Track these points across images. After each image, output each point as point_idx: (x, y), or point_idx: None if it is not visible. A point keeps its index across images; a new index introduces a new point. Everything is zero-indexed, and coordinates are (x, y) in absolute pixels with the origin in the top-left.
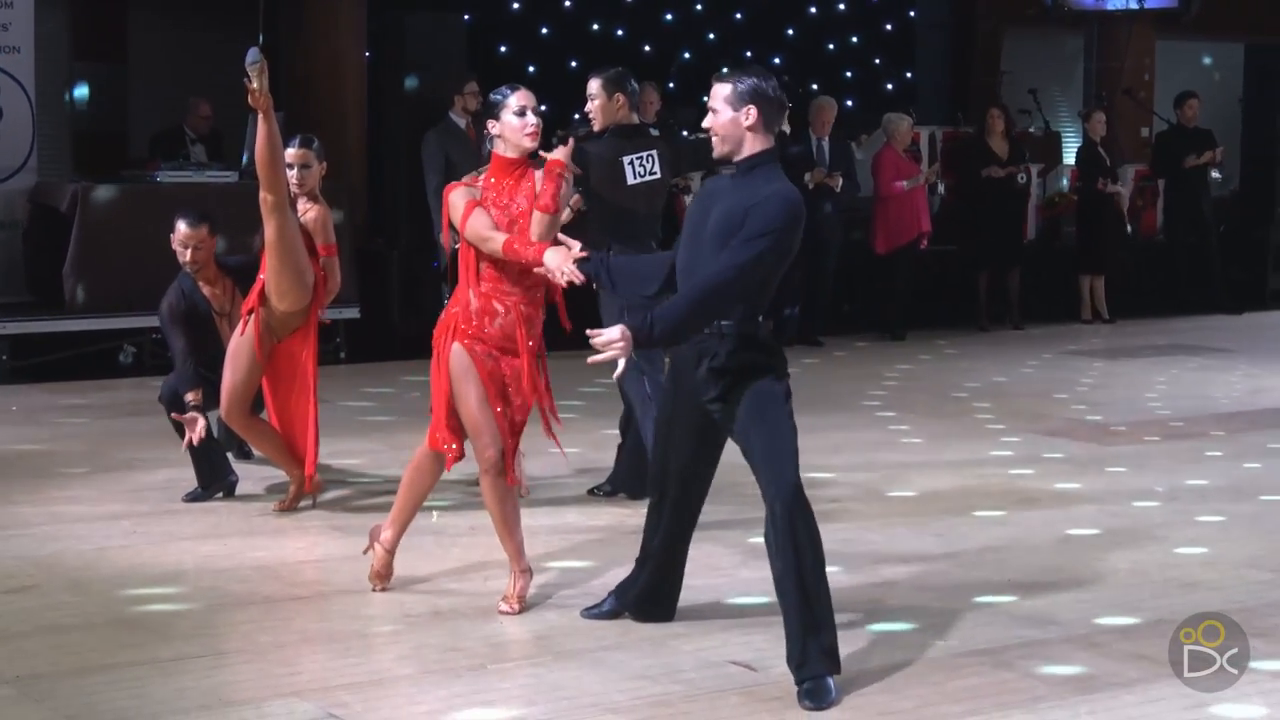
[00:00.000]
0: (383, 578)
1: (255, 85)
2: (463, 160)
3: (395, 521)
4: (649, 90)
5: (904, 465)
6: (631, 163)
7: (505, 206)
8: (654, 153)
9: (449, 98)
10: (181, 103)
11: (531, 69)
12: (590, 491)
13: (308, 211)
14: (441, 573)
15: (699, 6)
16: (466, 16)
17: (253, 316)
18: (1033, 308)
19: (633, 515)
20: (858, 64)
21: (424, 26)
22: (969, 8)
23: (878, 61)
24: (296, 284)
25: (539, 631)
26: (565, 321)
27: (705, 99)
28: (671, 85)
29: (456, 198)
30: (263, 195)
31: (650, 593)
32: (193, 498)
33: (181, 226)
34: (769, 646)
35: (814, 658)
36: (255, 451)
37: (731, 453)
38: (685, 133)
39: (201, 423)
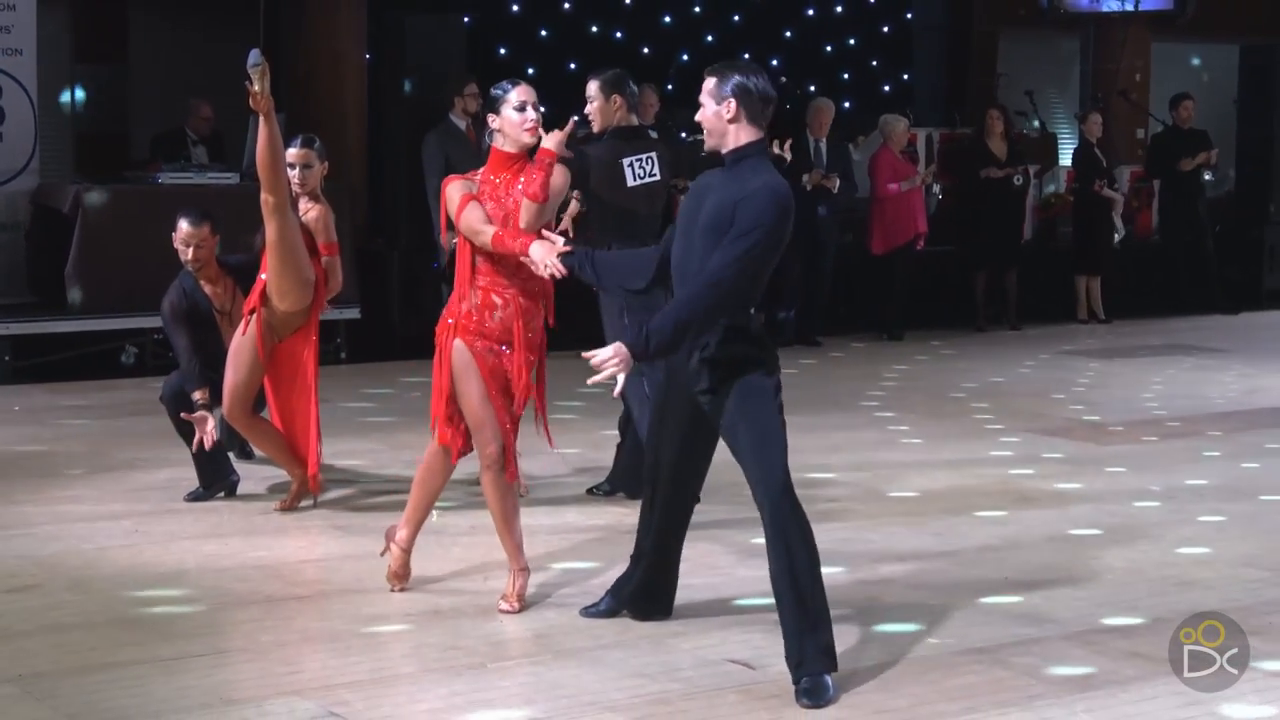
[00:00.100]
0: (401, 578)
1: (257, 88)
2: (463, 161)
3: (409, 521)
4: (648, 92)
5: (902, 465)
6: (631, 164)
7: (501, 200)
8: (653, 154)
9: (449, 99)
10: (182, 104)
11: (531, 70)
12: (589, 491)
13: (309, 211)
14: (442, 572)
15: (697, 8)
16: (466, 18)
17: (254, 316)
18: (1029, 308)
19: (631, 515)
20: (855, 66)
21: (424, 28)
22: (965, 10)
23: (875, 63)
24: (297, 284)
25: (539, 630)
26: (551, 319)
27: None
28: (670, 87)
29: (453, 191)
30: (264, 197)
31: (646, 588)
32: (194, 497)
33: (183, 225)
34: (767, 645)
35: (810, 656)
36: (256, 451)
37: (730, 452)
38: (684, 134)
39: (211, 422)
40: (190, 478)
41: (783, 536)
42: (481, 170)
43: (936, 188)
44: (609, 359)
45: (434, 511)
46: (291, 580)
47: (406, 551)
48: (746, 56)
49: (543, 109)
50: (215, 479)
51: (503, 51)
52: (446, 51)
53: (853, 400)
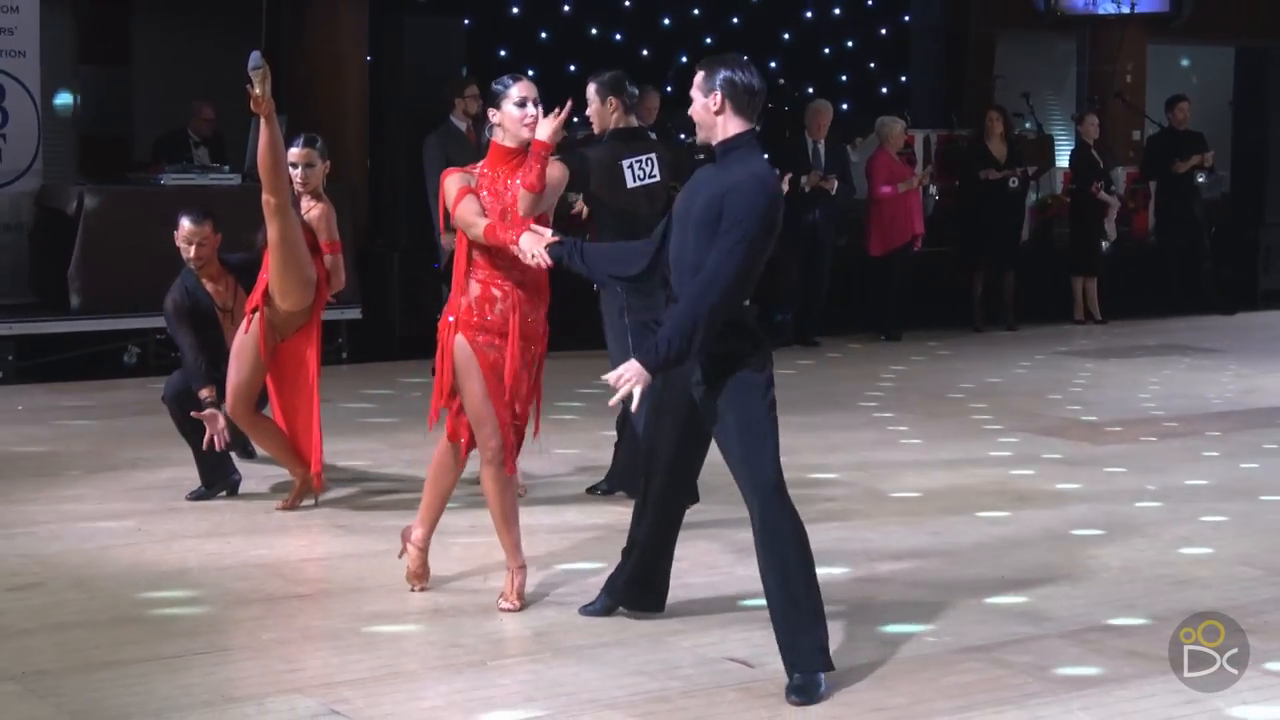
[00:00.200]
0: (420, 577)
1: (258, 90)
2: (463, 163)
3: (424, 520)
4: (650, 95)
5: (900, 464)
6: (631, 166)
7: (500, 194)
8: (652, 155)
9: (449, 101)
10: (184, 106)
11: (531, 72)
12: (589, 490)
13: (312, 209)
14: (442, 571)
15: (696, 11)
16: (466, 20)
17: (257, 315)
18: (1025, 308)
19: (630, 514)
20: (853, 68)
21: (424, 30)
22: (963, 12)
23: (872, 65)
24: (299, 284)
25: (538, 628)
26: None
27: None
28: (669, 88)
29: (451, 184)
30: (265, 198)
31: (637, 578)
32: (196, 496)
33: (185, 223)
34: (766, 643)
35: (804, 655)
36: (258, 451)
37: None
38: (682, 136)
39: (221, 420)
40: (192, 477)
41: (772, 536)
42: (481, 164)
43: (934, 189)
44: (626, 378)
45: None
46: (293, 579)
47: (424, 551)
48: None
49: (541, 106)
50: (217, 478)
51: (503, 53)
52: (446, 54)
53: (851, 400)
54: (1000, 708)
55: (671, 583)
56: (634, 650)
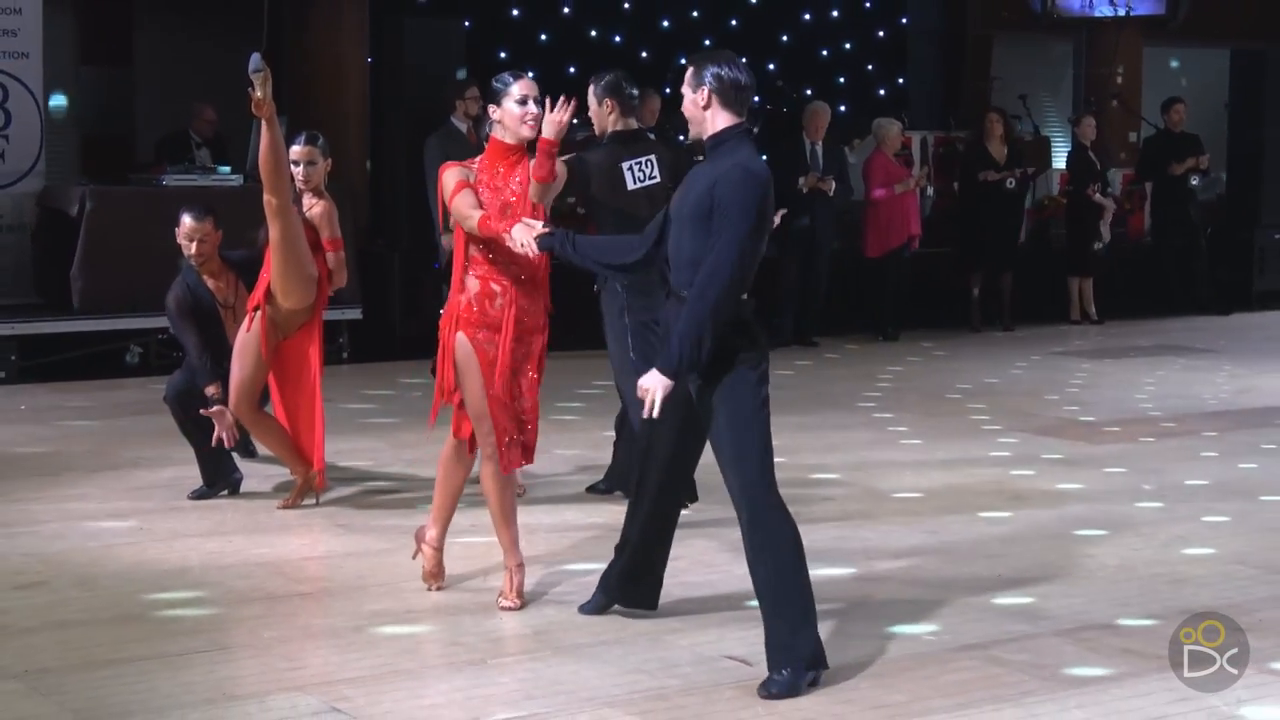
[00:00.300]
0: (436, 577)
1: (259, 93)
2: None
3: (438, 520)
4: (651, 97)
5: (898, 464)
6: (631, 168)
7: (499, 190)
8: (652, 157)
9: (450, 102)
10: (186, 107)
11: (530, 74)
12: (588, 489)
13: (314, 206)
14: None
15: (695, 13)
16: (466, 22)
17: (259, 313)
18: (1022, 309)
19: None
20: (850, 70)
21: (424, 31)
22: (960, 14)
23: (870, 67)
24: (301, 282)
25: (538, 627)
26: (548, 303)
27: None
28: (668, 90)
29: (449, 178)
30: (267, 198)
31: (630, 572)
32: (198, 495)
33: (186, 220)
34: (763, 642)
35: (794, 653)
36: (259, 450)
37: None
38: (681, 137)
39: (230, 417)
40: (194, 476)
41: (760, 539)
42: (479, 158)
43: (930, 190)
44: (646, 388)
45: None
46: (294, 577)
47: (439, 550)
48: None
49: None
50: (219, 477)
51: (503, 55)
52: (447, 55)
53: (849, 400)
54: (998, 706)
55: (670, 581)
56: (633, 648)
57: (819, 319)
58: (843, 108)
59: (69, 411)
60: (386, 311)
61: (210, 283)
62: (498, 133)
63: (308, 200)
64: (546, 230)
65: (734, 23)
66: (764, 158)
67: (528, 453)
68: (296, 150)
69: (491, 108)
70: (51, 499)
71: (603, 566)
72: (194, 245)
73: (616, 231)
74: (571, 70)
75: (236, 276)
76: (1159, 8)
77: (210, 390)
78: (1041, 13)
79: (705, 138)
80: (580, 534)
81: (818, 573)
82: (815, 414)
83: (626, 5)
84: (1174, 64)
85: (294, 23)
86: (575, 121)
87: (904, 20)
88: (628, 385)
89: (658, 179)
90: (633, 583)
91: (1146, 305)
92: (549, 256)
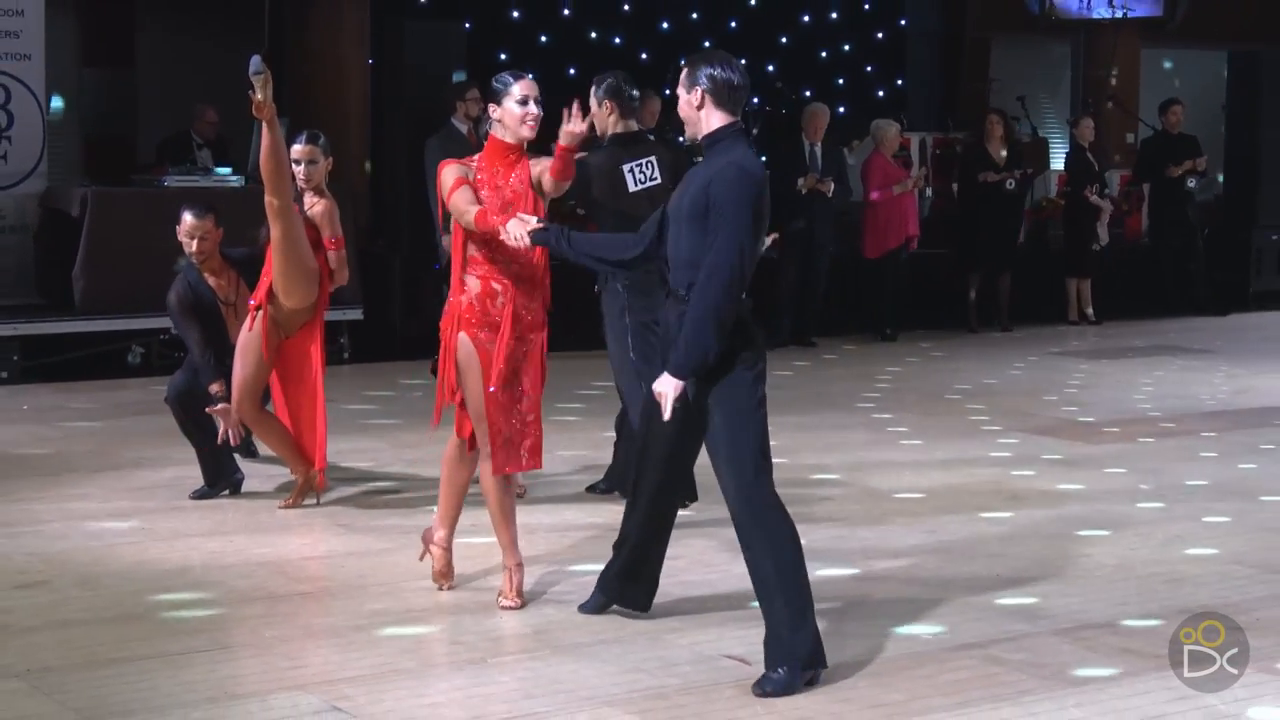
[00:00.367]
0: (446, 576)
1: (259, 96)
2: None
3: (445, 520)
4: (651, 98)
5: (897, 464)
6: (631, 170)
7: (499, 189)
8: (652, 159)
9: (451, 104)
10: (188, 108)
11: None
12: (588, 489)
13: (315, 205)
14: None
15: (695, 15)
16: (467, 24)
17: (260, 313)
18: (1020, 309)
19: None
20: (850, 71)
21: (425, 33)
22: (958, 16)
23: (869, 69)
24: (302, 282)
25: (537, 626)
26: (548, 300)
27: None
28: (668, 92)
29: (447, 174)
30: (268, 199)
31: (627, 570)
32: (199, 495)
33: (187, 217)
34: (762, 641)
35: (782, 651)
36: (260, 450)
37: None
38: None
39: (234, 414)
40: (195, 476)
41: (753, 540)
42: (478, 156)
43: (929, 191)
44: (660, 392)
45: (436, 509)
46: (295, 577)
47: (448, 550)
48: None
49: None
50: (220, 477)
51: (503, 56)
52: (447, 56)
53: (848, 401)
54: (996, 704)
55: (668, 580)
56: (632, 647)
57: (817, 319)
58: (841, 109)
59: (71, 412)
60: (387, 312)
61: (211, 280)
62: (497, 131)
63: (309, 199)
64: (541, 225)
65: (733, 24)
66: (763, 159)
67: (534, 455)
68: (297, 149)
69: (492, 106)
70: (54, 499)
71: (602, 566)
72: (195, 243)
73: (617, 233)
74: (571, 72)
75: (237, 274)
76: (1156, 9)
77: (214, 388)
78: (1039, 14)
79: (700, 137)
80: (580, 534)
81: (817, 572)
82: (814, 414)
83: (626, 7)
84: (1167, 65)
85: (295, 24)
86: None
87: (903, 22)
88: (628, 385)
89: (658, 180)
90: (631, 582)
91: (1144, 306)
92: (548, 255)
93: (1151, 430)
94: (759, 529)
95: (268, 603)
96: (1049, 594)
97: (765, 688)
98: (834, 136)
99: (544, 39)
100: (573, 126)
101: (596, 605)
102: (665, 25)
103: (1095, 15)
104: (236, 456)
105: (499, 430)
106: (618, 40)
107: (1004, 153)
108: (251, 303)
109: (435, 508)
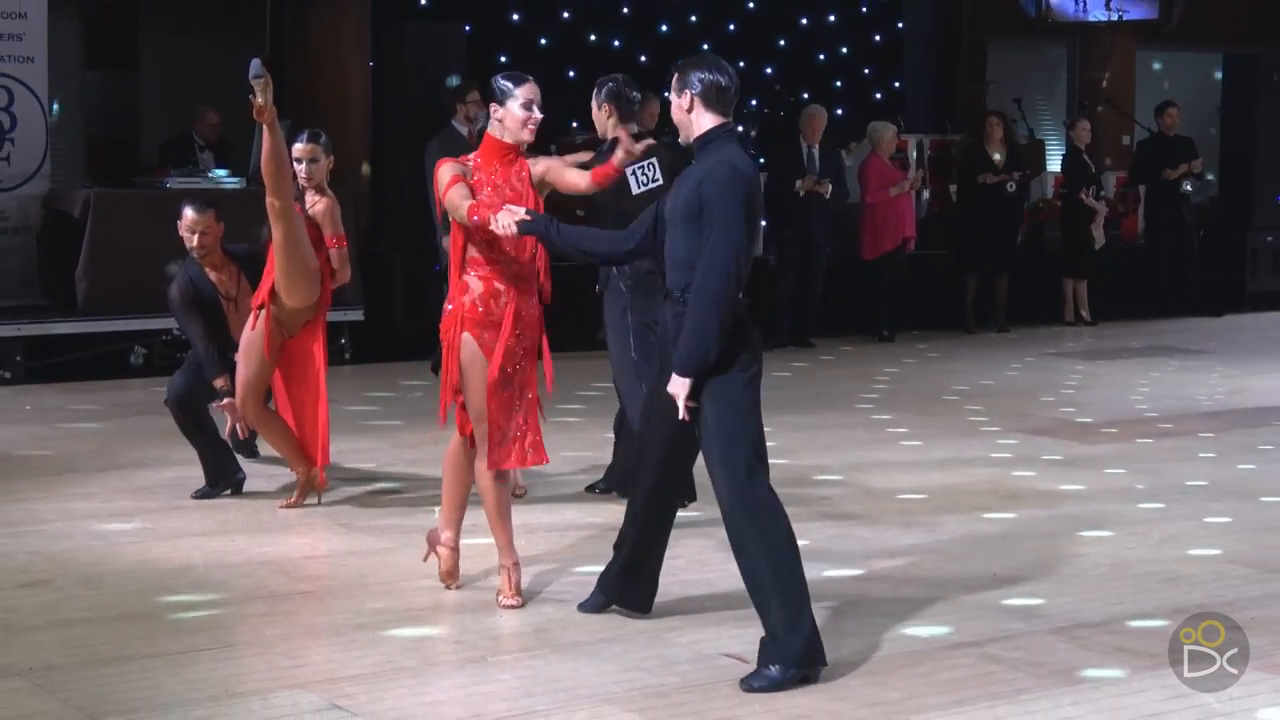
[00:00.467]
0: (453, 576)
1: (260, 99)
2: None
3: (450, 521)
4: (651, 100)
5: (895, 464)
6: (634, 173)
7: (499, 188)
8: (654, 160)
9: (451, 106)
10: (190, 111)
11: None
12: (588, 489)
13: (316, 204)
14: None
15: (694, 18)
16: (467, 26)
17: (263, 312)
18: (1016, 310)
19: None
20: (847, 74)
21: (425, 36)
22: (955, 19)
23: (867, 71)
24: (304, 281)
25: (537, 625)
26: (547, 296)
27: None
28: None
29: (444, 172)
30: (269, 201)
31: (627, 570)
32: (201, 495)
33: (188, 212)
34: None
35: (776, 650)
36: (261, 450)
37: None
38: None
39: (240, 409)
40: (197, 476)
41: (744, 540)
42: (474, 154)
43: (926, 193)
44: (677, 397)
45: (436, 509)
46: (296, 576)
47: (455, 550)
48: (741, 64)
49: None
50: (221, 477)
51: (503, 59)
52: (447, 59)
53: (846, 401)
54: (993, 703)
55: (668, 580)
56: (631, 646)
57: (815, 320)
58: (839, 111)
59: (74, 412)
60: (388, 313)
61: (212, 275)
62: (495, 130)
63: (310, 197)
64: (527, 218)
65: (732, 27)
66: (761, 160)
67: (538, 450)
68: (299, 148)
69: (494, 106)
70: (56, 498)
71: (601, 564)
72: (196, 237)
73: None
74: (571, 74)
75: (239, 269)
76: (1152, 12)
77: (219, 382)
78: (1035, 17)
79: (693, 139)
80: (580, 534)
81: (815, 572)
82: (813, 414)
83: (625, 10)
84: (1156, 66)
85: (296, 26)
86: (575, 124)
87: (900, 25)
88: (627, 385)
89: (660, 181)
90: (631, 582)
91: (1140, 307)
92: (546, 254)
93: (1149, 430)
94: (754, 529)
95: (269, 601)
96: (1047, 593)
97: (753, 684)
98: (832, 138)
99: (543, 41)
100: (631, 147)
101: (596, 604)
102: (664, 28)
103: (1091, 18)
104: (238, 456)
105: (498, 426)
106: (617, 43)
107: (1000, 155)
108: (254, 303)
109: (436, 508)
